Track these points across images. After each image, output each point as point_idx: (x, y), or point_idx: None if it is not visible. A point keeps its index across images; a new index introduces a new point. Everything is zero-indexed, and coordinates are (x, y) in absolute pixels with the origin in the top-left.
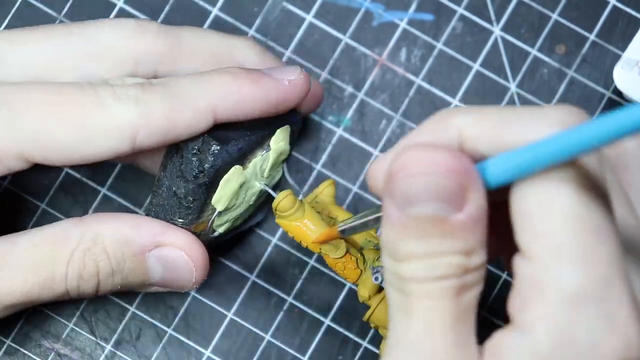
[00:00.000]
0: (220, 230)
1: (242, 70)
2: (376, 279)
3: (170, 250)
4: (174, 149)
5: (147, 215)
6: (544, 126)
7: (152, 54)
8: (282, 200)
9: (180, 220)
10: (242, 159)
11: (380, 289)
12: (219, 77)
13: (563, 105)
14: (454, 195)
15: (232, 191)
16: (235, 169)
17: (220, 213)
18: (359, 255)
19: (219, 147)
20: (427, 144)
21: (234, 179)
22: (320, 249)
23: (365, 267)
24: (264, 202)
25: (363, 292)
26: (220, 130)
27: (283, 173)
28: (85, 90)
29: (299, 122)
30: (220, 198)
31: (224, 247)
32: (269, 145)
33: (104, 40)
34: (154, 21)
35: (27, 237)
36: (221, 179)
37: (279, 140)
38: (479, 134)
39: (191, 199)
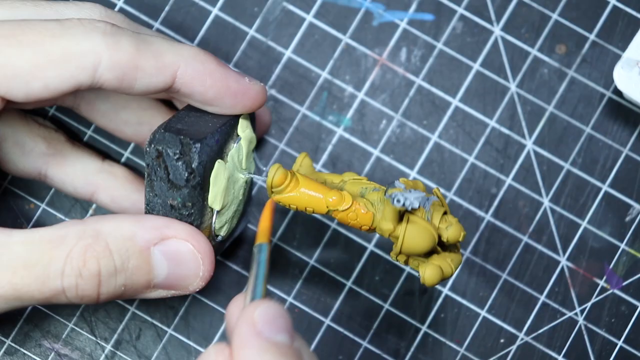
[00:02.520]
0: (222, 233)
1: (210, 53)
2: (398, 201)
3: (176, 242)
4: (154, 167)
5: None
6: None
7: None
8: (275, 173)
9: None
10: (220, 152)
11: (401, 218)
12: (188, 46)
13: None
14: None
15: (223, 187)
16: (219, 163)
17: (218, 213)
18: (365, 199)
19: (199, 144)
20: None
21: (222, 174)
22: (328, 206)
23: (375, 209)
24: (243, 211)
25: (387, 226)
26: (191, 130)
27: (255, 163)
28: (48, 23)
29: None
30: (215, 197)
31: (224, 248)
32: (238, 135)
33: (71, 15)
34: (119, 13)
35: (24, 233)
36: (209, 176)
37: (245, 128)
38: None
39: (190, 204)
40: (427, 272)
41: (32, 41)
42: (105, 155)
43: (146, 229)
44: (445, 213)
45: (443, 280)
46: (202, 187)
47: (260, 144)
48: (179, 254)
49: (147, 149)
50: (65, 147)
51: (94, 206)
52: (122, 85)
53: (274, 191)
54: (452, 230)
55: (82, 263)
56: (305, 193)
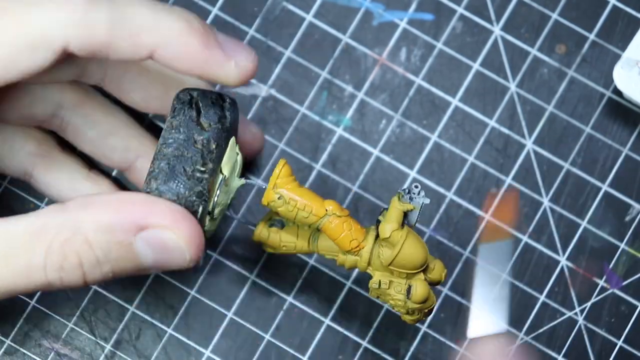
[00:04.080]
0: (217, 212)
1: (199, 25)
2: (413, 192)
3: (157, 232)
4: (183, 108)
5: (153, 178)
6: None
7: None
8: (284, 165)
9: (201, 169)
10: (230, 135)
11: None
12: (173, 19)
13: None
14: None
15: (233, 160)
16: (233, 140)
17: (223, 183)
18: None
19: (231, 102)
20: None
21: (233, 149)
22: (327, 210)
23: (367, 230)
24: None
25: (390, 226)
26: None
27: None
28: None
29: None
30: (227, 161)
31: (224, 247)
32: (238, 153)
33: None
34: None
35: (3, 225)
36: (226, 146)
37: (233, 147)
38: None
39: (214, 145)
40: (419, 289)
41: None
42: (92, 166)
43: (126, 220)
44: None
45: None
46: (228, 137)
47: None
48: (161, 242)
49: (179, 94)
50: (54, 151)
51: None
52: (93, 57)
53: (278, 183)
54: (436, 271)
55: (62, 257)
56: (307, 191)
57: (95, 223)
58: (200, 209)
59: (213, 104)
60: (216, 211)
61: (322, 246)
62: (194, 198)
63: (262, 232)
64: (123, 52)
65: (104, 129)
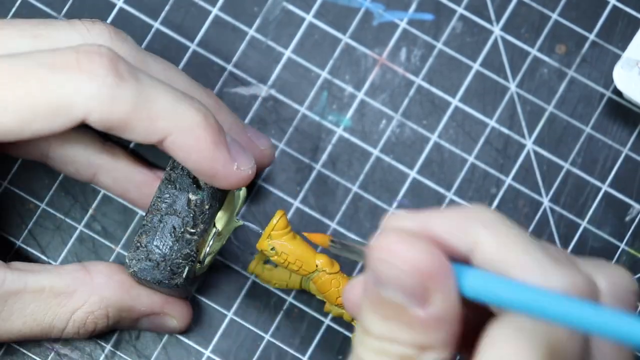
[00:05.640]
0: (207, 261)
1: (214, 121)
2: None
3: (164, 319)
4: (179, 168)
5: (144, 232)
6: (566, 281)
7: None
8: (281, 217)
9: (191, 230)
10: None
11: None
12: (192, 110)
13: (618, 270)
14: (416, 293)
15: (230, 211)
16: (235, 191)
17: (215, 236)
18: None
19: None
20: (405, 232)
21: (232, 199)
22: (317, 265)
23: None
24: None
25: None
26: None
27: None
28: (38, 68)
29: None
30: (222, 216)
31: (224, 247)
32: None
33: (75, 41)
34: (128, 37)
35: (36, 280)
36: (227, 193)
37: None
38: (496, 258)
39: (207, 205)
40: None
41: (18, 94)
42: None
43: (143, 307)
44: None
45: None
46: (221, 198)
47: None
48: (162, 324)
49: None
50: None
51: (93, 206)
52: (107, 132)
53: (273, 234)
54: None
55: (82, 324)
56: (299, 246)
57: (117, 302)
58: (186, 270)
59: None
60: (207, 260)
61: (313, 288)
62: (180, 260)
63: (256, 267)
64: (137, 133)
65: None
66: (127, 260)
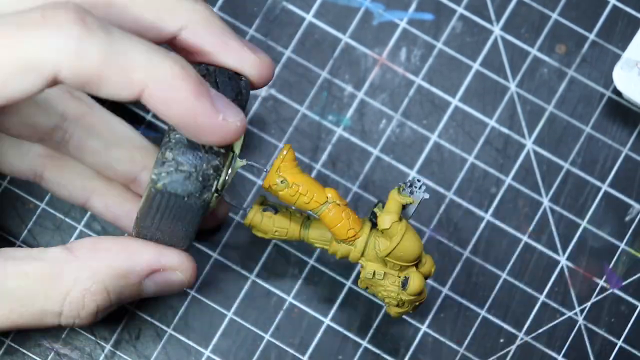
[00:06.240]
0: (214, 204)
1: (194, 73)
2: (415, 186)
3: (166, 274)
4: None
5: (168, 149)
6: None
7: None
8: (289, 149)
9: (218, 158)
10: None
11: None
12: (169, 61)
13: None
14: None
15: (242, 139)
16: None
17: (235, 160)
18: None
19: (246, 81)
20: None
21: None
22: (328, 197)
23: (364, 220)
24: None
25: (390, 218)
26: None
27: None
28: (4, 25)
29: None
30: (237, 142)
31: (224, 247)
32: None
33: None
34: None
35: (17, 265)
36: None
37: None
38: None
39: None
40: (416, 281)
41: None
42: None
43: (139, 265)
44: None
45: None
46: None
47: (259, 144)
48: (167, 281)
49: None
50: None
51: None
52: (83, 89)
53: (282, 167)
54: (426, 265)
55: (81, 306)
56: (309, 178)
57: (110, 270)
58: (215, 183)
59: (230, 80)
60: (221, 191)
61: (313, 234)
62: (211, 171)
63: (255, 216)
64: (112, 87)
65: (108, 140)
66: (153, 176)
